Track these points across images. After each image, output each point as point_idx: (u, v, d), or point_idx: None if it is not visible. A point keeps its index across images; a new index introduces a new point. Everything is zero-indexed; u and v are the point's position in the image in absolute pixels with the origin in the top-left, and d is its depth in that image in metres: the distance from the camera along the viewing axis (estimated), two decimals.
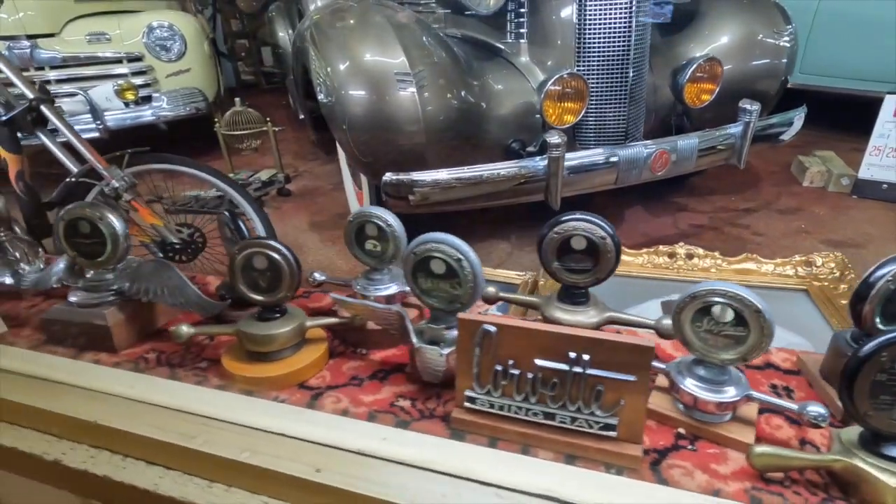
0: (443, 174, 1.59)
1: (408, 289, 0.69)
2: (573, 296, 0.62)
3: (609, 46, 1.75)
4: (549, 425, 0.48)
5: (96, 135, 2.88)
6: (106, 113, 3.00)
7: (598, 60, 1.78)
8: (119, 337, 0.67)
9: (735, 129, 1.84)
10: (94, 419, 0.54)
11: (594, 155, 1.67)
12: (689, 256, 1.09)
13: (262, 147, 3.19)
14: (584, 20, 1.75)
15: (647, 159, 1.72)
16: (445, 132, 1.64)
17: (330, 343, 0.65)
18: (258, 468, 0.47)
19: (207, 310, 0.67)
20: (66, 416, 0.55)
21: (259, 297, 0.60)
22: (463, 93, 1.67)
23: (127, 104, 3.08)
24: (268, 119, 2.98)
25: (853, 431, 0.46)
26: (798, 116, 2.08)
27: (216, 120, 2.93)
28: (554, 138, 1.57)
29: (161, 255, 1.65)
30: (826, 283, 0.97)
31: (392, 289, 0.67)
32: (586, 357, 0.46)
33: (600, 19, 1.74)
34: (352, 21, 1.71)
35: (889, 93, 2.26)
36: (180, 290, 0.68)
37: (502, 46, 1.96)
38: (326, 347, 0.64)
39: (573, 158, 1.64)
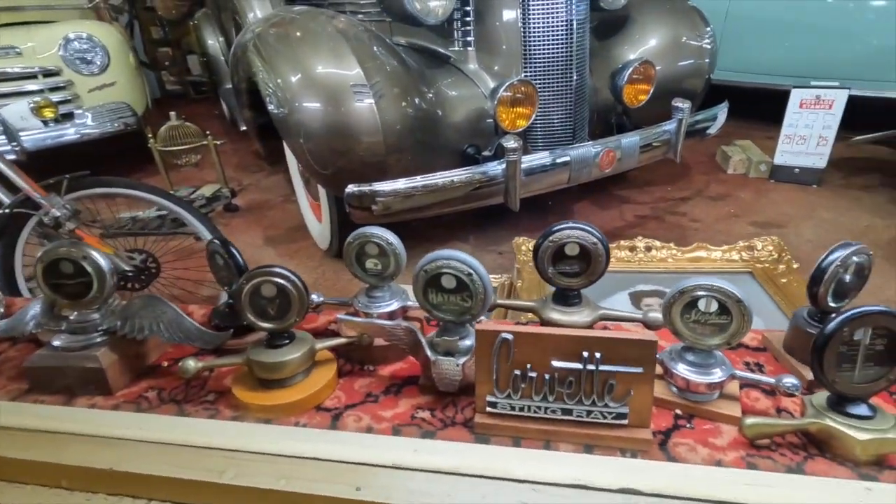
0: (405, 183, 1.61)
1: (409, 303, 0.71)
2: (567, 297, 0.67)
3: (553, 51, 1.84)
4: (567, 420, 0.53)
5: (13, 157, 2.65)
6: (22, 133, 2.75)
7: (544, 65, 1.87)
8: (114, 378, 0.65)
9: (670, 125, 1.99)
10: (109, 466, 0.52)
11: (548, 156, 1.75)
12: (648, 248, 1.18)
13: (201, 162, 3.06)
14: (528, 26, 1.83)
15: (595, 158, 1.82)
16: (404, 141, 1.66)
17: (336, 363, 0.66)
18: (297, 494, 0.48)
19: (211, 342, 0.66)
20: (76, 468, 0.53)
21: (269, 325, 0.60)
22: (418, 101, 1.70)
23: (46, 122, 2.85)
24: (207, 132, 2.86)
25: (821, 396, 0.53)
26: (721, 111, 2.27)
27: (150, 135, 2.78)
28: (510, 143, 1.63)
29: None
30: (767, 265, 1.09)
31: (394, 305, 0.69)
32: (598, 355, 0.50)
33: (543, 25, 1.82)
34: (302, 32, 1.69)
35: (794, 87, 2.51)
36: (177, 324, 0.66)
37: (450, 54, 2.01)
38: (336, 368, 0.65)
39: (528, 161, 1.71)
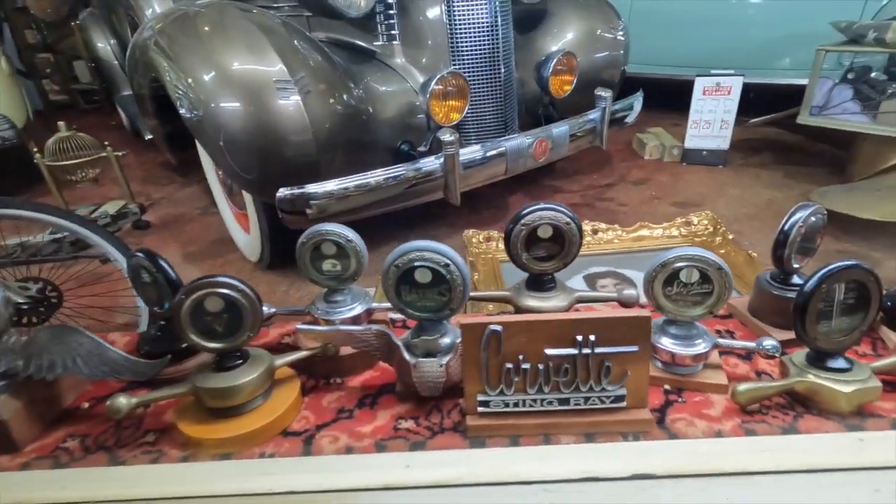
0: (340, 183, 1.53)
1: (373, 305, 0.65)
2: (541, 283, 0.64)
3: (480, 43, 1.84)
4: (565, 410, 0.50)
5: None
6: None
7: (472, 58, 1.86)
8: (20, 431, 0.53)
9: (595, 114, 2.05)
10: None
11: (484, 149, 1.74)
12: (595, 231, 1.20)
13: (101, 176, 2.75)
14: (454, 19, 1.81)
15: (529, 148, 1.84)
16: (335, 140, 1.57)
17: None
18: None
19: (143, 373, 0.56)
20: None
21: (217, 345, 0.52)
22: (346, 97, 1.62)
23: None
24: (106, 143, 2.57)
25: (800, 355, 0.55)
26: (637, 100, 2.40)
27: (35, 150, 2.45)
28: (447, 136, 1.60)
29: None
30: (704, 238, 1.14)
31: (357, 309, 0.63)
32: (592, 337, 0.48)
33: (468, 17, 1.81)
34: (212, 26, 1.55)
35: (698, 75, 2.71)
36: (98, 356, 0.55)
37: (375, 49, 1.94)
38: (299, 385, 0.57)
39: (465, 154, 1.69)
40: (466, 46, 1.85)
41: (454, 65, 1.86)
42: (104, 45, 3.85)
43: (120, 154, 2.58)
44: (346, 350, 0.60)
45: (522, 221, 0.60)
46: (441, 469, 0.45)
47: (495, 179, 1.88)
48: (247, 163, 1.52)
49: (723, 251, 1.07)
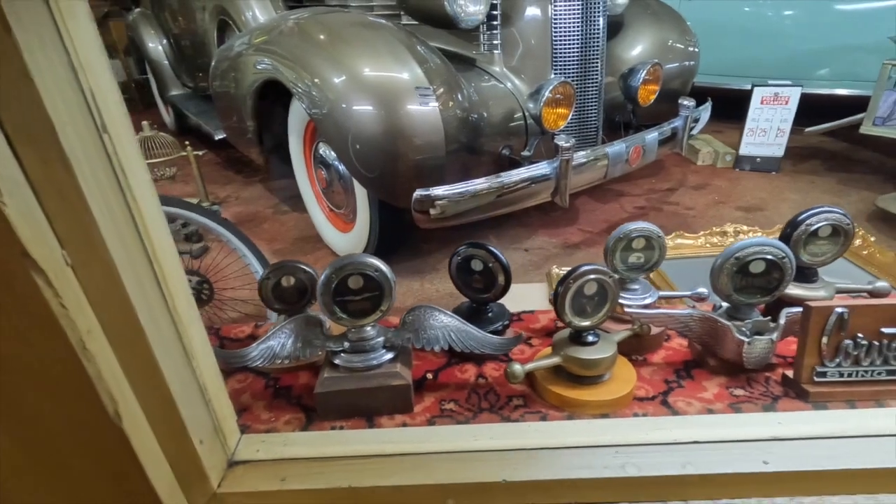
0: (472, 186, 1.62)
1: (658, 294, 0.74)
2: (807, 276, 0.74)
3: (581, 53, 1.94)
4: (892, 380, 0.59)
5: None
6: None
7: (573, 67, 1.96)
8: (413, 395, 0.62)
9: (678, 122, 2.16)
10: (501, 478, 0.50)
11: (590, 154, 1.84)
12: (737, 233, 1.30)
13: (178, 175, 2.82)
14: (558, 28, 1.91)
15: (626, 154, 1.94)
16: (458, 144, 1.66)
17: None
18: (699, 476, 0.49)
19: (500, 348, 0.65)
20: (465, 484, 0.50)
21: (586, 323, 0.61)
22: (465, 103, 1.71)
23: None
24: (187, 143, 2.64)
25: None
26: (706, 110, 2.51)
27: None
28: (563, 142, 1.70)
29: None
30: None
31: (648, 299, 0.72)
32: None
33: (572, 27, 1.91)
34: (346, 30, 1.64)
35: (755, 85, 2.83)
36: (466, 334, 0.64)
37: (475, 57, 2.04)
38: (626, 360, 0.66)
39: (576, 159, 1.79)
40: (567, 55, 1.95)
41: (554, 72, 1.96)
42: (155, 45, 3.90)
43: (199, 154, 2.65)
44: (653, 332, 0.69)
45: (807, 222, 0.70)
46: (810, 425, 0.55)
47: (593, 184, 1.98)
48: (370, 161, 1.60)
49: (866, 253, 1.17)
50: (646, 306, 0.72)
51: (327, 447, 0.55)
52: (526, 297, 1.55)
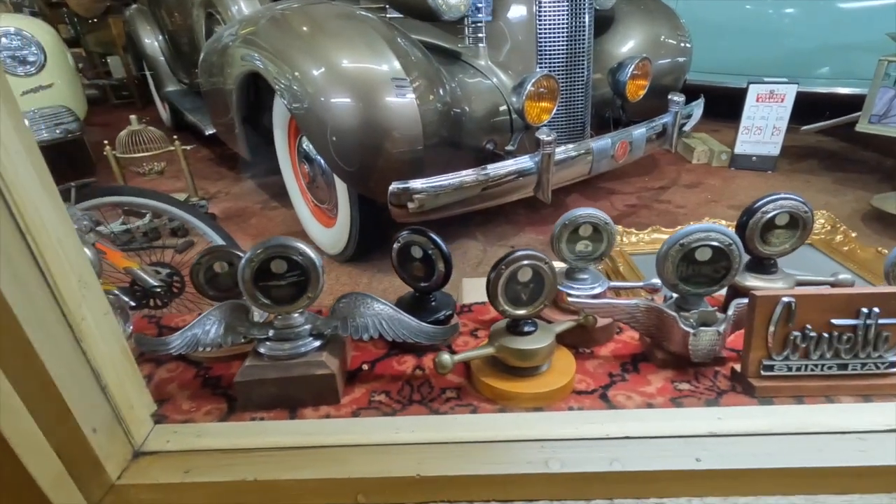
0: (447, 179, 1.59)
1: (608, 285, 0.71)
2: (765, 267, 0.70)
3: (566, 47, 1.91)
4: (843, 374, 0.56)
5: None
6: None
7: (558, 61, 1.93)
8: (339, 385, 0.59)
9: (667, 118, 2.13)
10: (415, 473, 0.47)
11: (574, 149, 1.81)
12: None
13: (164, 170, 2.81)
14: (542, 23, 1.88)
15: (612, 149, 1.91)
16: (437, 137, 1.63)
17: None
18: (629, 473, 0.46)
19: (434, 337, 0.62)
20: (374, 479, 0.47)
21: (522, 311, 0.58)
22: (445, 96, 1.68)
23: None
24: (175, 137, 2.64)
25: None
26: (698, 108, 2.47)
27: (105, 142, 2.50)
28: (545, 136, 1.67)
29: (133, 304, 1.39)
30: (823, 237, 1.21)
31: (597, 288, 0.69)
32: (876, 309, 0.54)
33: (558, 20, 1.88)
34: (326, 24, 1.61)
35: (750, 83, 2.78)
36: (399, 322, 0.61)
37: (459, 50, 2.01)
38: (569, 352, 0.63)
39: (559, 153, 1.75)
40: (553, 49, 1.92)
41: (539, 66, 1.93)
42: (151, 41, 3.90)
43: (188, 148, 2.64)
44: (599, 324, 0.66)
45: (762, 209, 0.66)
46: (749, 420, 0.52)
47: (578, 179, 1.95)
48: (349, 155, 1.57)
49: (846, 249, 1.14)
50: (595, 296, 0.69)
51: (240, 439, 0.53)
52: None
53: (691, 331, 0.59)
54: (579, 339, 0.67)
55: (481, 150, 1.90)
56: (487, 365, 0.60)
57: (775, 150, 2.82)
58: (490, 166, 1.65)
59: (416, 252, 0.67)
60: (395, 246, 0.68)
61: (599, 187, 2.80)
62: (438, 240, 0.65)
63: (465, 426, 0.53)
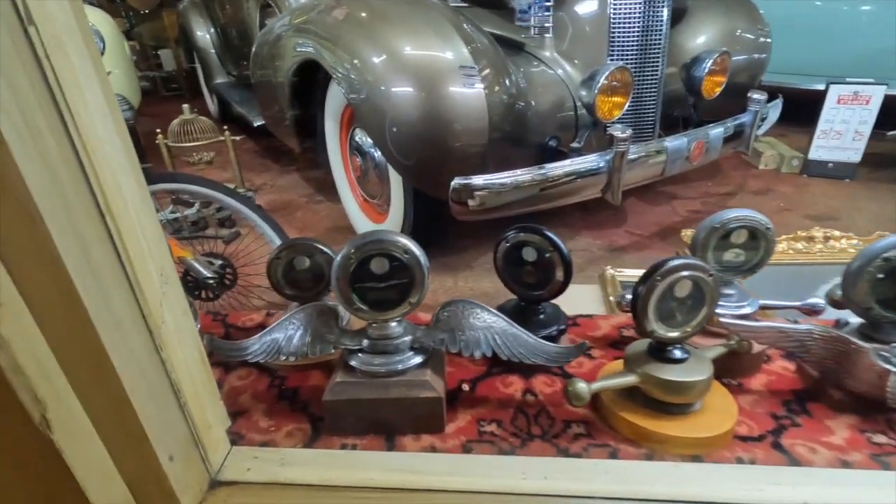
0: (514, 176, 1.49)
1: (759, 303, 0.59)
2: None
3: (642, 39, 1.77)
4: None
5: None
6: None
7: (632, 54, 1.79)
8: (443, 410, 0.49)
9: (746, 117, 1.96)
10: None
11: (648, 148, 1.67)
12: (827, 238, 1.11)
13: (216, 160, 2.80)
14: (618, 12, 1.74)
15: (687, 150, 1.76)
16: (501, 132, 1.53)
17: None
18: None
19: (557, 359, 0.51)
20: None
21: (674, 334, 0.47)
22: (512, 88, 1.58)
23: None
24: (225, 127, 2.61)
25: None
26: (775, 109, 2.28)
27: (157, 131, 2.50)
28: (619, 132, 1.54)
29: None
30: None
31: (746, 308, 0.57)
32: None
33: (630, 11, 1.74)
34: (391, 8, 1.53)
35: (831, 83, 2.56)
36: (514, 338, 0.51)
37: (524, 41, 1.90)
38: (720, 385, 0.52)
39: (632, 153, 1.62)
40: (626, 41, 1.78)
41: (610, 59, 1.80)
42: (203, 34, 3.93)
43: (237, 139, 2.62)
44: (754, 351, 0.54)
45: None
46: None
47: (649, 181, 1.81)
48: (407, 147, 1.49)
49: None
50: (743, 317, 0.57)
51: (331, 472, 0.43)
52: (575, 299, 1.40)
53: (891, 368, 0.47)
54: (724, 369, 0.55)
55: (543, 146, 1.78)
56: (622, 396, 0.49)
57: (856, 157, 2.60)
58: (558, 164, 1.53)
59: (529, 254, 0.57)
60: (503, 246, 0.58)
61: (660, 191, 2.64)
62: (559, 241, 0.55)
63: (611, 476, 0.42)
